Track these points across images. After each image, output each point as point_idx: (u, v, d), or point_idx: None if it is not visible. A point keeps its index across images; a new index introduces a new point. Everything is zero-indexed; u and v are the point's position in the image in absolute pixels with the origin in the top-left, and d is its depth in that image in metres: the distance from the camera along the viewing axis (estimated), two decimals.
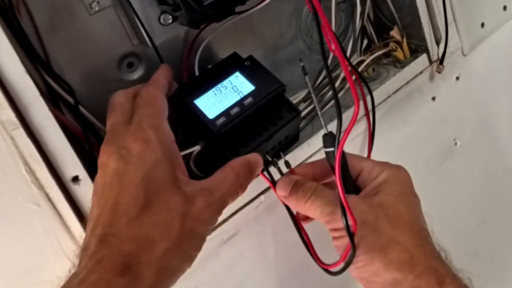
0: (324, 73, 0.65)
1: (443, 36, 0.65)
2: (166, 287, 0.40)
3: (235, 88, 0.52)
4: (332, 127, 0.58)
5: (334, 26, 0.62)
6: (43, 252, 0.44)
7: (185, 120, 0.52)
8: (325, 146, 0.48)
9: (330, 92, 0.63)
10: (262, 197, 0.54)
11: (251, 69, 0.53)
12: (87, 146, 0.48)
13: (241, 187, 0.45)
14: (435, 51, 0.65)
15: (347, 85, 0.62)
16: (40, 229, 0.43)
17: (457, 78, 0.69)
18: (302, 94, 0.65)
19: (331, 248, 0.48)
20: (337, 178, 0.44)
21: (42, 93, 0.43)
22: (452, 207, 0.73)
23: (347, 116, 0.58)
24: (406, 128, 0.66)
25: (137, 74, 0.56)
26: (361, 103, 0.60)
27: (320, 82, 0.65)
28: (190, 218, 0.41)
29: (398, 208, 0.47)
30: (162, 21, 0.51)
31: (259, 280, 0.58)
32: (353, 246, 0.44)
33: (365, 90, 0.61)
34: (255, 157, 0.48)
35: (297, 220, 0.54)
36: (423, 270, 0.44)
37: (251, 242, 0.56)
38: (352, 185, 0.51)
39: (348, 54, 0.65)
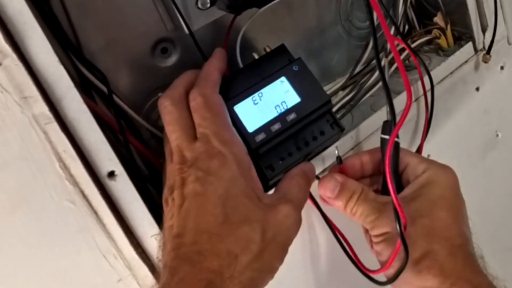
0: (363, 60, 0.61)
1: (490, 23, 0.60)
2: None
3: (279, 97, 0.48)
4: (378, 117, 0.55)
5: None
6: (79, 250, 0.41)
7: None
8: (383, 132, 0.47)
9: (370, 80, 0.59)
10: None
11: (299, 75, 0.48)
12: (122, 138, 0.45)
13: (307, 194, 0.45)
14: (481, 40, 0.61)
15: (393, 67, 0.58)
16: (76, 227, 0.41)
17: (502, 67, 0.64)
18: (340, 81, 0.61)
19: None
20: (389, 182, 0.41)
21: (75, 83, 0.39)
22: (493, 200, 0.69)
23: (397, 102, 0.54)
24: (450, 120, 0.62)
25: (171, 61, 0.52)
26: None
27: (360, 70, 0.61)
28: (272, 230, 0.40)
29: (434, 215, 0.45)
30: (199, 5, 0.47)
31: (292, 279, 0.55)
32: (407, 252, 0.41)
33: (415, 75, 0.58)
34: (308, 166, 0.47)
35: (332, 224, 0.51)
36: (455, 281, 0.42)
37: None
38: (396, 180, 0.48)
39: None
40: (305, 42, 0.59)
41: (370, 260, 0.49)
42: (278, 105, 0.48)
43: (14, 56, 0.35)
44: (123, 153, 0.45)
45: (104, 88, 0.45)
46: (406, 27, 0.64)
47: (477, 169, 0.66)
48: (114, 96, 0.46)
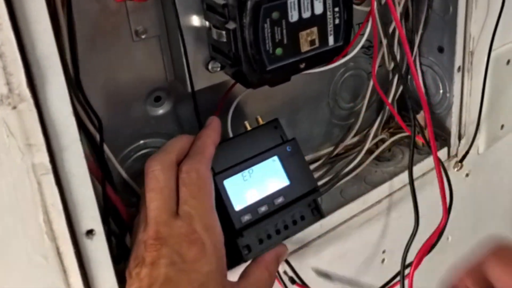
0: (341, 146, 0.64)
1: (468, 132, 0.66)
2: None
3: (269, 177, 0.50)
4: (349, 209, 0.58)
5: None
6: None
7: None
8: None
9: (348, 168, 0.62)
10: None
11: (291, 157, 0.51)
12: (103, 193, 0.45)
13: (272, 284, 0.48)
14: (456, 146, 0.66)
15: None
16: (42, 284, 0.39)
17: (467, 175, 0.70)
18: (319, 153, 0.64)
19: None
20: None
21: None
22: None
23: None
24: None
25: (161, 110, 0.53)
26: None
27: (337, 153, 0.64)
28: None
29: None
30: (210, 67, 0.49)
31: None
32: None
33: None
34: (282, 250, 0.50)
35: None
36: None
37: None
38: None
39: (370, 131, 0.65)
40: (289, 110, 0.62)
41: None
42: (267, 186, 0.49)
43: (31, 101, 0.34)
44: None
45: (97, 136, 0.44)
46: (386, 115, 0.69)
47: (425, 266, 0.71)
48: (105, 146, 0.45)
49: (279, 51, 0.45)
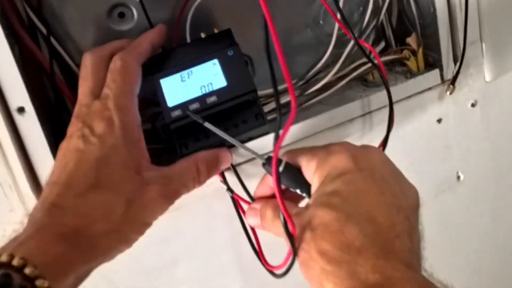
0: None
1: (466, 56, 0.62)
2: (101, 262, 0.43)
3: (207, 78, 0.52)
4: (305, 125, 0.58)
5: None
6: None
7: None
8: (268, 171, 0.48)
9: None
10: (214, 178, 0.54)
11: (232, 61, 0.53)
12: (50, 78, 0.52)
13: (199, 183, 0.49)
14: (451, 69, 0.62)
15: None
16: None
17: (473, 105, 0.65)
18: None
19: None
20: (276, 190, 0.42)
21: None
22: (439, 247, 0.70)
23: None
24: (402, 147, 0.63)
25: (127, 26, 0.58)
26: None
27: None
28: (137, 205, 0.44)
29: (325, 225, 0.41)
30: None
31: (195, 264, 0.59)
32: (294, 252, 0.43)
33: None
34: (223, 154, 0.51)
35: (242, 210, 0.55)
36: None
37: (193, 222, 0.57)
38: (308, 189, 0.48)
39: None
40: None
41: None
42: (203, 86, 0.52)
43: None
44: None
45: (44, 30, 0.51)
46: (383, 44, 0.67)
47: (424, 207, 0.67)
48: (53, 39, 0.52)
49: None
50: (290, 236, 0.43)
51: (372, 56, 0.61)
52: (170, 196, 0.47)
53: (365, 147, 0.47)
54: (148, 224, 0.46)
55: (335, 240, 0.40)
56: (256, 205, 0.50)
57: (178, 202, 0.55)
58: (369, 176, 0.43)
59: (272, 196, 0.50)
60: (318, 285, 0.41)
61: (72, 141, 0.45)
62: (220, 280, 0.61)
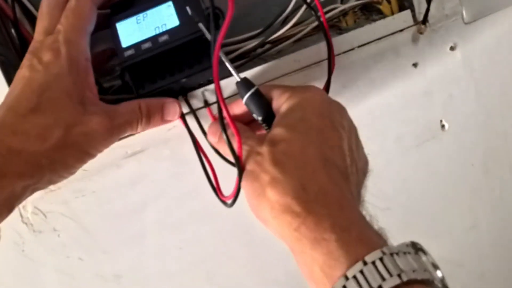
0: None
1: None
2: (38, 183, 0.45)
3: (161, 20, 0.53)
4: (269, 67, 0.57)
5: None
6: None
7: None
8: (241, 95, 0.49)
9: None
10: (177, 121, 0.55)
11: (187, 3, 0.53)
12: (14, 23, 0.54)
13: (142, 126, 0.51)
14: (424, 10, 0.60)
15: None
16: None
17: (452, 48, 0.63)
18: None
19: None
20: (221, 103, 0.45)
21: None
22: (421, 196, 0.68)
23: None
24: (375, 92, 0.62)
25: None
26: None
27: None
28: (77, 132, 0.46)
29: (287, 141, 0.43)
30: None
31: (163, 207, 0.59)
32: (240, 179, 0.45)
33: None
34: (171, 105, 0.53)
35: (203, 152, 0.55)
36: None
37: (158, 166, 0.58)
38: (270, 120, 0.49)
39: None
40: None
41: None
42: (157, 27, 0.53)
43: None
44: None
45: None
46: None
47: (405, 157, 0.65)
48: None
49: None
50: (232, 150, 0.45)
51: None
52: (112, 129, 0.48)
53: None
54: (89, 154, 0.47)
55: (295, 157, 0.42)
56: (217, 124, 0.51)
57: (140, 144, 0.56)
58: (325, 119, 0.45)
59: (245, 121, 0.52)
60: (258, 194, 0.42)
61: (21, 70, 0.47)
62: (191, 226, 0.61)
